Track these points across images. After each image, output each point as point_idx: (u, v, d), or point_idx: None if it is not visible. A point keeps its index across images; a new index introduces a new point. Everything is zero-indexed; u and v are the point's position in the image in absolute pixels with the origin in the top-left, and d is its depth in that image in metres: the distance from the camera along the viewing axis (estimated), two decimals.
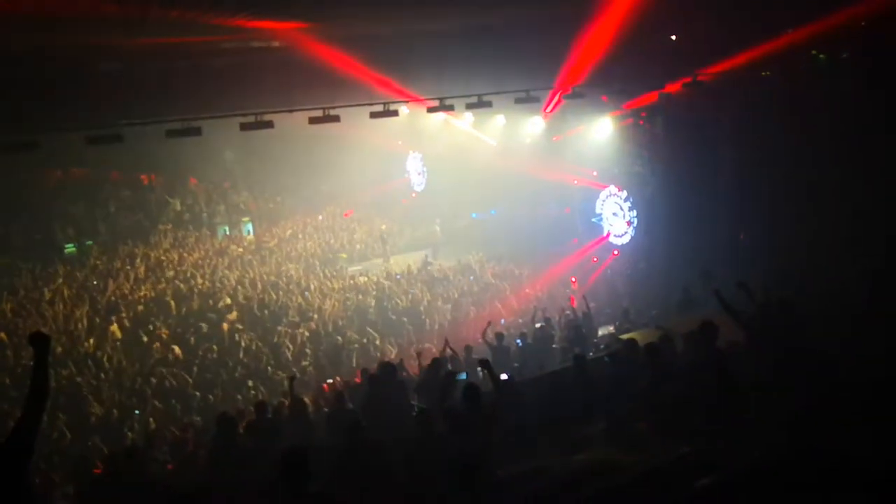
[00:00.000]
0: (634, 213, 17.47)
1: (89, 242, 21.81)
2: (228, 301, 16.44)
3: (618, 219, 18.03)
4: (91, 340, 14.44)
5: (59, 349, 13.83)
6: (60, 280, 18.23)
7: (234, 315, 15.54)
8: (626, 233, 17.82)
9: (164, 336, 14.65)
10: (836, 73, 13.66)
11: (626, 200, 17.73)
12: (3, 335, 14.27)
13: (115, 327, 15.05)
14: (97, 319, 15.67)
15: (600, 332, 13.11)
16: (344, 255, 22.57)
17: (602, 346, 11.70)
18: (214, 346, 14.01)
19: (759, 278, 12.46)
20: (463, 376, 7.46)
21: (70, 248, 21.60)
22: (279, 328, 14.84)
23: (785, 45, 13.47)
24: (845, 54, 13.46)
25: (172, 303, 16.46)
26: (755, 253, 14.08)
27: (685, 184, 15.38)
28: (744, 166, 14.38)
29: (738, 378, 6.34)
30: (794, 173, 13.63)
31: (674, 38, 15.56)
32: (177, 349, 14.00)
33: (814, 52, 13.99)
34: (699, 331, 7.45)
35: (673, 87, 15.59)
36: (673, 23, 14.97)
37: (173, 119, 13.28)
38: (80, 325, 15.24)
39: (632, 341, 9.67)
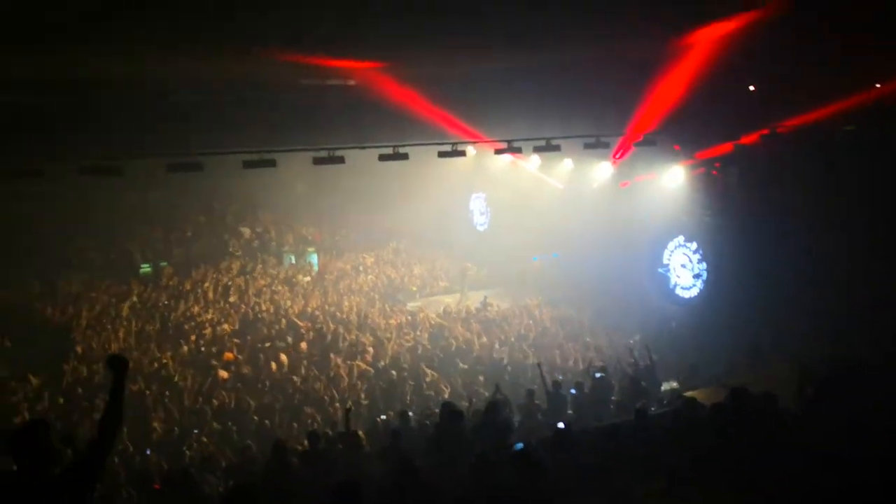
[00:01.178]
0: (704, 265, 17.06)
1: (163, 264, 22.59)
2: (285, 327, 16.68)
3: (686, 270, 17.64)
4: (159, 358, 14.84)
5: (131, 364, 14.20)
6: (134, 298, 18.88)
7: (303, 345, 15.73)
8: (694, 285, 17.40)
9: (227, 358, 14.96)
10: None
11: (695, 252, 17.35)
12: (79, 348, 14.84)
13: (183, 348, 15.46)
14: (166, 338, 16.15)
15: (663, 388, 12.74)
16: (414, 288, 22.76)
17: (665, 402, 11.36)
18: (274, 371, 14.25)
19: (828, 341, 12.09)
20: (519, 446, 7.32)
21: (145, 269, 22.41)
22: (336, 359, 14.97)
23: (870, 99, 13.10)
24: None
25: (237, 327, 16.85)
26: (828, 313, 13.55)
27: (758, 238, 14.95)
28: (821, 223, 13.92)
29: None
30: (873, 234, 13.14)
31: (752, 88, 15.31)
32: (240, 371, 14.30)
33: None
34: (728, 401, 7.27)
35: (749, 139, 15.31)
36: (752, 72, 14.75)
37: (250, 151, 13.76)
38: (150, 343, 15.73)
39: (694, 400, 9.40)
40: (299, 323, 16.96)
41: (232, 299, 19.23)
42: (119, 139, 14.25)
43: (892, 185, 12.70)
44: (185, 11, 8.63)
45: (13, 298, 18.38)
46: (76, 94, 15.30)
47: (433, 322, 17.66)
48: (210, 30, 9.94)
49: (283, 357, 15.02)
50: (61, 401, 12.63)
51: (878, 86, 13.25)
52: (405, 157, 14.80)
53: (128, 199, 22.64)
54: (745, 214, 15.52)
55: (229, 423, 12.07)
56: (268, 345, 15.84)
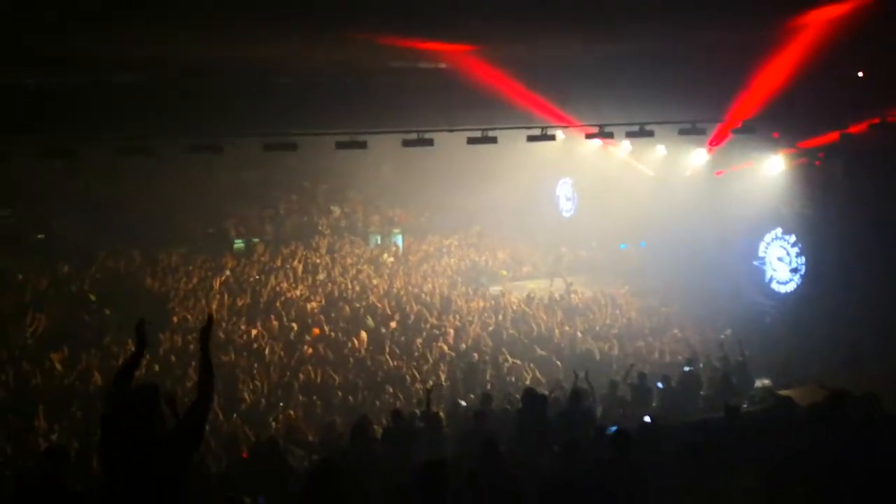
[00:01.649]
0: (802, 259, 16.30)
1: (256, 240, 23.38)
2: (370, 306, 16.97)
3: (783, 264, 16.90)
4: (250, 331, 15.40)
5: (222, 335, 14.87)
6: (228, 272, 19.63)
7: (392, 324, 15.99)
8: (791, 280, 16.66)
9: (314, 334, 15.38)
10: None
11: (793, 245, 16.59)
12: (175, 319, 15.59)
13: (272, 322, 15.99)
14: (256, 312, 16.74)
15: (755, 384, 12.28)
16: (504, 272, 22.71)
17: (757, 400, 10.96)
18: (357, 348, 14.57)
19: None
20: (613, 429, 7.24)
21: (239, 244, 23.26)
22: (418, 339, 15.15)
23: None
24: None
25: (324, 304, 17.29)
26: None
27: (863, 232, 14.16)
28: None
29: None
30: None
31: (861, 74, 14.43)
32: (325, 347, 14.68)
33: None
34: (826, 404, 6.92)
35: (857, 128, 14.46)
36: (861, 59, 13.89)
37: (341, 132, 14.01)
38: (241, 317, 16.34)
39: (789, 398, 9.04)
40: (382, 304, 17.23)
41: (320, 277, 19.73)
42: (219, 120, 14.81)
43: None
44: None
45: (117, 268, 19.43)
46: (181, 77, 15.97)
47: (516, 307, 17.59)
48: (307, 14, 10.12)
49: (364, 335, 15.31)
50: (157, 368, 13.25)
51: None
52: (494, 140, 14.73)
53: (225, 177, 23.55)
54: (850, 208, 14.70)
55: (314, 398, 12.42)
56: (351, 323, 16.19)
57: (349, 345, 14.88)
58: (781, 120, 15.48)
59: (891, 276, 13.40)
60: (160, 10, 9.42)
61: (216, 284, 18.39)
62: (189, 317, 15.88)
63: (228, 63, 15.52)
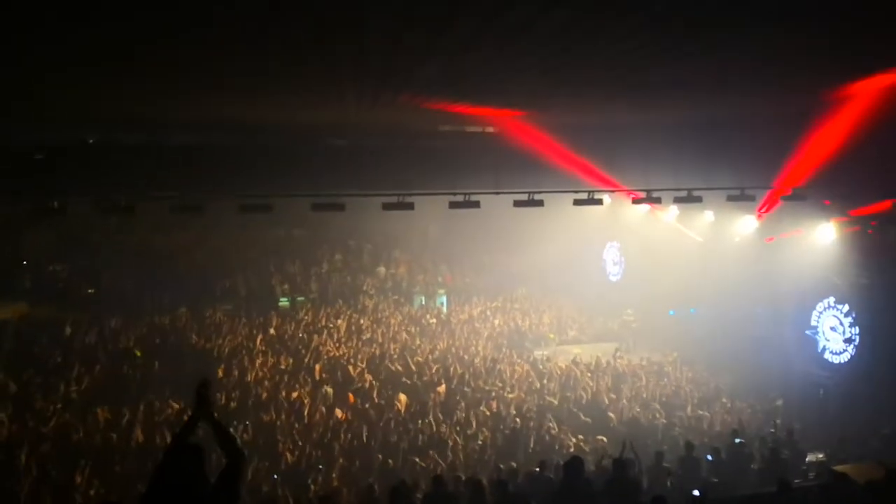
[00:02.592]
0: (856, 329, 15.79)
1: (301, 298, 23.68)
2: (417, 372, 16.90)
3: (836, 334, 16.38)
4: (292, 391, 15.43)
5: (265, 395, 14.99)
6: (272, 331, 19.85)
7: (441, 389, 15.88)
8: (845, 350, 16.11)
9: (350, 401, 15.31)
10: None
11: (847, 315, 16.10)
12: (220, 374, 15.75)
13: (312, 382, 16.02)
14: (298, 371, 16.80)
15: (808, 459, 11.78)
16: (552, 336, 22.51)
17: (811, 475, 10.51)
18: (400, 411, 14.46)
19: None
20: (697, 493, 7.05)
21: (284, 302, 23.57)
22: (462, 403, 14.98)
23: None
24: None
25: (366, 365, 17.29)
26: None
27: None
28: None
29: None
30: None
31: None
32: (367, 408, 14.61)
33: None
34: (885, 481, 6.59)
35: None
36: None
37: (388, 193, 14.27)
38: (284, 375, 16.43)
39: (845, 475, 8.67)
40: (426, 366, 17.15)
41: (365, 337, 19.79)
42: (269, 179, 15.27)
43: None
44: (337, 62, 9.16)
45: (165, 324, 19.83)
46: (235, 137, 16.60)
47: (561, 372, 17.33)
48: (361, 80, 10.48)
49: (403, 398, 15.21)
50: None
51: None
52: (540, 203, 14.82)
53: (272, 234, 24.08)
54: None
55: (353, 460, 12.31)
56: (394, 385, 16.12)
57: (392, 407, 14.79)
58: (832, 187, 15.26)
59: None
60: (217, 76, 9.88)
61: (260, 342, 18.60)
62: (234, 374, 16.04)
63: (280, 124, 16.06)
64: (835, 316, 16.53)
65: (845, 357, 16.15)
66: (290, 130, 17.17)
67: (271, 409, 14.23)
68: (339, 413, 14.43)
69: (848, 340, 16.07)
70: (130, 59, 8.53)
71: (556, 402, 15.33)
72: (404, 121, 15.88)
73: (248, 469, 11.17)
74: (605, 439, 13.31)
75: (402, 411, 14.57)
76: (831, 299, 16.66)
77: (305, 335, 19.55)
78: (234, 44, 7.79)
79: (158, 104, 12.75)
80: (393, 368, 17.00)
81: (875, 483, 7.22)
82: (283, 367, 17.08)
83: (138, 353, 17.21)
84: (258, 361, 17.11)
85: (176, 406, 13.81)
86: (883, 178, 14.13)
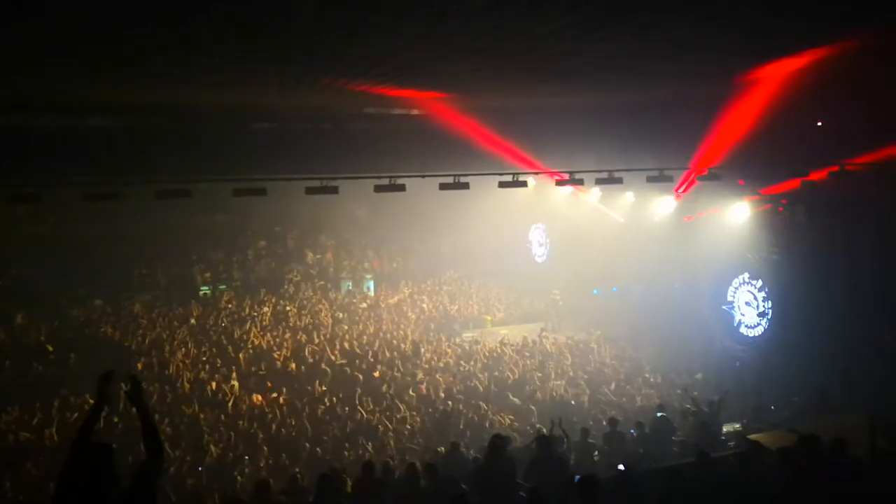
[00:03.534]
0: (769, 303, 16.51)
1: (223, 287, 23.08)
2: (344, 358, 16.75)
3: (750, 308, 17.09)
4: (214, 382, 15.04)
5: (187, 386, 14.56)
6: (193, 321, 19.29)
7: (349, 372, 15.77)
8: (759, 324, 16.83)
9: (283, 384, 15.08)
10: None
11: (760, 290, 16.81)
12: (139, 367, 15.19)
13: (236, 372, 15.65)
14: (222, 362, 16.38)
15: (725, 429, 12.25)
16: (489, 317, 22.65)
17: (730, 444, 10.92)
18: (333, 399, 14.30)
19: None
20: (577, 478, 7.18)
21: (205, 291, 22.92)
22: (391, 388, 14.93)
23: None
24: None
25: (292, 353, 17.01)
26: None
27: (826, 276, 14.40)
28: (891, 260, 13.33)
29: None
30: None
31: (820, 124, 14.88)
32: (294, 396, 14.38)
33: None
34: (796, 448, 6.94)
35: (817, 175, 14.83)
36: (820, 108, 14.34)
37: (313, 177, 13.97)
38: (206, 366, 15.99)
39: (759, 443, 9.04)
40: (353, 352, 17.01)
41: (290, 324, 19.45)
42: (190, 164, 14.71)
43: None
44: (259, 45, 8.85)
45: (79, 316, 19.00)
46: (152, 120, 15.90)
47: (489, 354, 17.48)
48: (282, 61, 10.17)
49: (321, 386, 15.05)
50: (116, 420, 12.84)
51: None
52: (466, 186, 14.80)
53: (193, 221, 23.33)
54: (814, 253, 14.97)
55: (280, 450, 12.10)
56: (322, 371, 15.92)
57: (320, 395, 14.61)
58: (745, 167, 15.82)
59: (855, 319, 13.60)
60: (132, 55, 9.40)
61: (181, 333, 18.04)
62: (154, 367, 15.51)
63: (200, 107, 15.49)
64: (749, 291, 17.23)
65: (759, 330, 16.87)
66: (210, 113, 16.57)
67: (194, 402, 13.85)
68: (264, 403, 14.17)
69: (762, 314, 16.77)
70: (35, 37, 8.00)
71: (484, 384, 15.46)
72: (328, 103, 15.57)
73: (171, 466, 10.85)
74: (534, 417, 13.53)
75: (327, 398, 14.40)
76: (746, 275, 17.34)
77: (229, 324, 19.09)
78: (149, 21, 7.38)
79: (68, 85, 12.07)
80: (320, 356, 16.78)
81: (786, 449, 7.54)
82: (205, 358, 16.63)
83: (50, 349, 16.45)
84: (179, 353, 16.62)
85: (93, 402, 13.20)
86: (792, 158, 14.74)
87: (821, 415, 11.77)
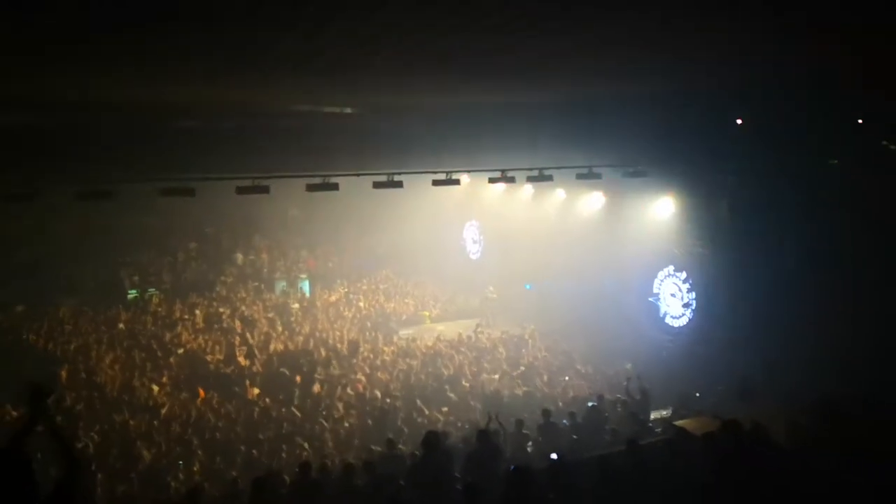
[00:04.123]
0: (693, 294, 17.14)
1: (152, 290, 22.46)
2: (279, 359, 16.58)
3: (675, 300, 17.70)
4: (144, 388, 14.68)
5: (116, 394, 14.18)
6: (122, 325, 18.74)
7: (286, 373, 15.62)
8: (683, 314, 17.45)
9: (200, 395, 14.79)
10: None
11: (685, 282, 17.43)
12: (64, 374, 14.68)
13: (167, 376, 15.32)
14: (152, 367, 15.99)
15: (653, 416, 12.70)
16: (427, 313, 22.72)
17: (657, 431, 11.32)
18: (267, 400, 14.15)
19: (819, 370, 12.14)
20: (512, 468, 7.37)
21: (133, 295, 22.26)
22: (327, 388, 14.87)
23: (852, 134, 13.33)
24: None
25: (225, 356, 16.73)
26: (818, 342, 13.61)
27: (747, 268, 15.04)
28: (809, 252, 14.03)
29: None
30: (860, 262, 13.26)
31: (739, 121, 15.52)
32: (227, 400, 14.16)
33: (884, 142, 13.78)
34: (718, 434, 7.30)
35: (738, 171, 15.47)
36: (739, 106, 14.96)
37: (244, 176, 13.78)
38: (135, 372, 15.58)
39: (684, 429, 9.40)
40: (289, 353, 16.86)
41: (224, 327, 19.10)
42: (115, 164, 14.25)
43: (881, 216, 12.83)
44: (182, 39, 8.67)
45: (1, 322, 18.20)
46: (73, 118, 15.32)
47: (425, 350, 17.58)
48: (208, 56, 9.98)
49: (254, 389, 14.89)
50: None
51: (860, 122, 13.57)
52: (399, 185, 14.85)
53: (121, 224, 22.62)
54: (736, 246, 15.60)
55: (215, 454, 11.93)
56: (256, 374, 15.74)
57: (257, 397, 14.45)
58: (670, 164, 16.35)
59: (775, 309, 14.24)
60: (51, 48, 9.08)
61: (109, 338, 17.51)
62: (81, 373, 15.03)
63: (124, 104, 15.01)
64: (674, 283, 17.83)
65: (684, 321, 17.49)
66: (135, 111, 16.07)
67: (124, 409, 13.49)
68: (197, 407, 13.92)
69: (686, 305, 17.39)
70: None
71: (422, 381, 15.56)
72: (258, 100, 15.33)
73: (93, 478, 10.53)
74: (471, 412, 13.70)
75: (262, 400, 14.25)
76: (671, 268, 17.94)
77: (159, 328, 18.63)
78: (57, 11, 7.11)
79: None
80: (254, 357, 16.57)
81: (710, 434, 7.88)
82: (135, 363, 16.19)
83: None
84: (107, 359, 16.12)
85: (14, 413, 12.75)
86: (714, 153, 15.32)
87: (743, 401, 12.32)
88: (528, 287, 24.08)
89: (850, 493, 6.25)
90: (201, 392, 14.75)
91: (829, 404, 7.79)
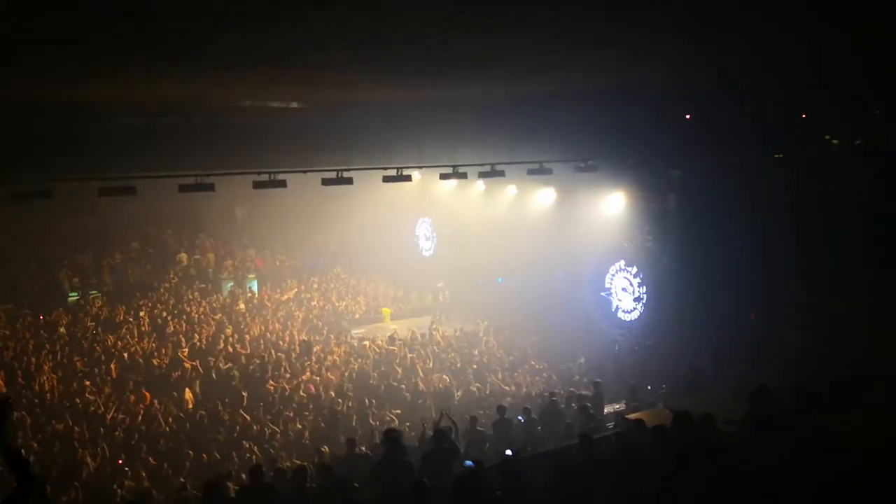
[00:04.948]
0: (644, 288, 17.33)
1: (93, 292, 21.72)
2: (228, 361, 16.19)
3: (627, 294, 17.89)
4: (88, 393, 14.15)
5: (56, 401, 13.65)
6: (62, 329, 18.07)
7: (236, 375, 15.27)
8: (635, 308, 17.64)
9: (146, 399, 14.35)
10: (848, 158, 13.79)
11: (635, 276, 17.62)
12: (0, 380, 14.06)
13: (111, 381, 14.81)
14: (95, 371, 15.43)
15: (606, 410, 12.78)
16: (387, 311, 22.50)
17: (610, 425, 11.38)
18: (217, 404, 13.79)
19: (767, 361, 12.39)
20: (469, 463, 7.28)
21: (73, 297, 21.49)
22: (278, 390, 14.57)
23: (799, 129, 13.66)
24: (858, 140, 13.61)
25: (170, 360, 16.26)
26: (765, 333, 13.90)
27: (696, 261, 15.29)
28: (755, 245, 14.31)
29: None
30: (805, 255, 13.58)
31: (688, 116, 15.74)
32: (173, 403, 13.77)
33: (827, 136, 14.17)
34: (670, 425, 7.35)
35: (686, 165, 15.70)
36: (687, 102, 15.17)
37: (187, 174, 13.38)
38: (78, 376, 15.02)
39: (640, 422, 9.43)
40: (237, 355, 16.47)
41: (168, 330, 18.57)
42: (51, 163, 13.68)
43: (825, 211, 13.14)
44: (119, 34, 8.32)
45: None
46: (5, 117, 14.67)
47: (378, 349, 17.38)
48: (149, 52, 9.63)
49: (189, 393, 14.53)
50: None
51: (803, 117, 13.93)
52: (349, 181, 14.62)
53: (60, 225, 21.87)
54: (684, 240, 15.84)
55: (163, 459, 11.56)
56: (204, 376, 15.33)
57: (199, 399, 14.06)
58: (621, 159, 16.50)
59: (723, 300, 14.50)
60: None
61: (49, 343, 16.85)
62: (19, 379, 14.41)
63: (60, 101, 14.43)
64: (625, 277, 18.02)
65: (636, 314, 17.70)
66: (72, 108, 15.45)
67: (66, 416, 12.97)
68: (143, 412, 13.46)
69: (637, 299, 17.60)
70: None
71: (375, 380, 15.36)
72: (200, 96, 14.90)
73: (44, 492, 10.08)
74: (425, 411, 13.58)
75: (212, 403, 13.89)
76: (622, 262, 18.13)
77: (101, 332, 18.01)
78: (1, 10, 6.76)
79: None
80: (202, 360, 16.13)
81: (662, 426, 7.91)
82: (76, 368, 15.61)
83: None
84: (47, 364, 15.50)
85: None
86: (663, 149, 15.52)
87: (693, 392, 12.49)
88: (480, 283, 24.06)
89: (796, 481, 6.33)
90: (147, 395, 14.28)
91: (763, 394, 7.88)
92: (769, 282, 13.96)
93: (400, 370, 15.86)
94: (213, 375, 15.33)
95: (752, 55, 11.45)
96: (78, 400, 13.79)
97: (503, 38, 9.54)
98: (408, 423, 12.98)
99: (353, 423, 13.08)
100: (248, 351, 16.85)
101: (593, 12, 8.40)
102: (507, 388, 15.17)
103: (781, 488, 6.00)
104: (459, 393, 14.72)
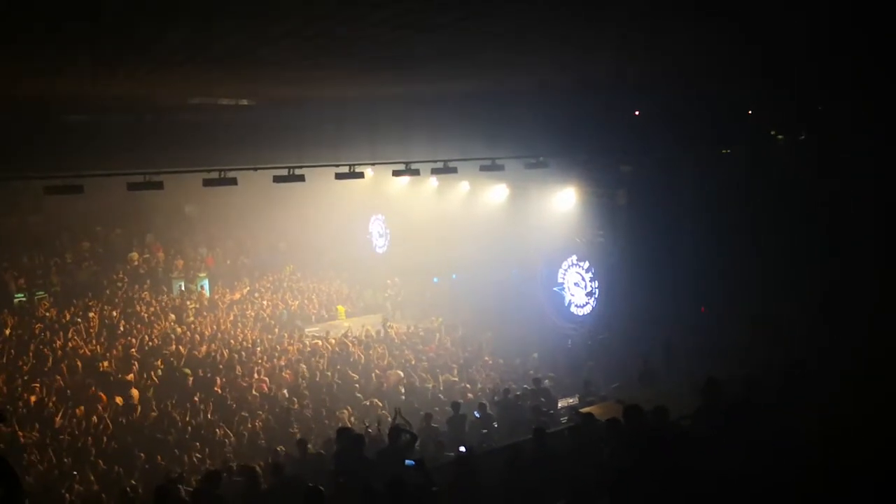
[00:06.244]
0: (596, 283, 17.61)
1: (40, 293, 21.14)
2: (179, 361, 15.95)
3: (579, 289, 18.16)
4: (34, 396, 13.81)
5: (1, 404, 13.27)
6: (7, 331, 17.57)
7: (187, 374, 15.07)
8: (587, 303, 17.92)
9: (112, 393, 14.10)
10: (793, 152, 14.25)
11: (587, 271, 17.89)
12: None
13: (59, 384, 14.46)
14: (42, 374, 15.05)
15: (560, 404, 12.98)
16: (341, 308, 22.35)
17: (563, 419, 11.57)
18: (168, 405, 13.58)
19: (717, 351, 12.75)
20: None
21: (20, 298, 20.88)
22: (230, 390, 14.43)
23: (746, 125, 14.05)
24: (803, 135, 14.07)
25: (121, 360, 15.95)
26: (715, 324, 14.28)
27: (647, 255, 15.60)
28: (704, 239, 14.68)
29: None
30: (753, 248, 13.99)
31: (637, 113, 16.04)
32: (125, 405, 13.52)
33: (772, 132, 14.61)
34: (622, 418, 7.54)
35: (636, 161, 15.99)
36: (637, 98, 15.44)
37: (135, 172, 13.13)
38: (24, 380, 14.64)
39: (591, 415, 9.62)
40: (189, 355, 16.23)
41: (119, 331, 18.20)
42: None
43: (773, 205, 13.55)
44: (65, 28, 8.12)
45: None
46: None
47: (332, 348, 17.31)
48: (96, 48, 9.41)
49: (136, 392, 14.31)
50: None
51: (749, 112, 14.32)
52: (301, 178, 14.54)
53: (5, 224, 21.24)
54: (635, 234, 16.13)
55: (113, 462, 11.37)
56: (155, 376, 15.09)
57: (152, 402, 13.82)
58: (572, 155, 16.72)
59: (673, 294, 14.84)
60: None
61: None
62: None
63: (3, 99, 14.01)
64: (577, 272, 18.29)
65: (588, 309, 17.97)
66: (16, 105, 15.00)
67: (12, 419, 12.61)
68: (91, 414, 13.19)
69: (589, 294, 17.87)
70: None
71: (329, 378, 15.32)
72: (148, 93, 14.59)
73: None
74: (379, 408, 13.60)
75: (162, 404, 13.68)
76: (574, 257, 18.39)
77: (48, 333, 17.54)
78: None
79: None
80: (152, 361, 15.87)
81: (614, 420, 8.10)
82: (23, 370, 15.20)
83: None
84: None
85: None
86: (613, 144, 15.78)
87: (646, 384, 12.79)
88: (435, 280, 24.13)
89: (747, 473, 6.55)
90: (102, 397, 14.00)
91: (713, 387, 8.13)
92: (719, 275, 14.33)
93: (354, 368, 15.84)
94: (165, 376, 15.09)
95: (700, 53, 11.72)
96: (21, 403, 13.45)
97: (453, 36, 9.58)
98: (366, 421, 12.98)
99: (307, 423, 13.04)
100: (200, 351, 16.62)
101: (540, 10, 8.50)
102: (461, 384, 15.27)
103: (733, 479, 6.22)
104: (415, 390, 14.76)
